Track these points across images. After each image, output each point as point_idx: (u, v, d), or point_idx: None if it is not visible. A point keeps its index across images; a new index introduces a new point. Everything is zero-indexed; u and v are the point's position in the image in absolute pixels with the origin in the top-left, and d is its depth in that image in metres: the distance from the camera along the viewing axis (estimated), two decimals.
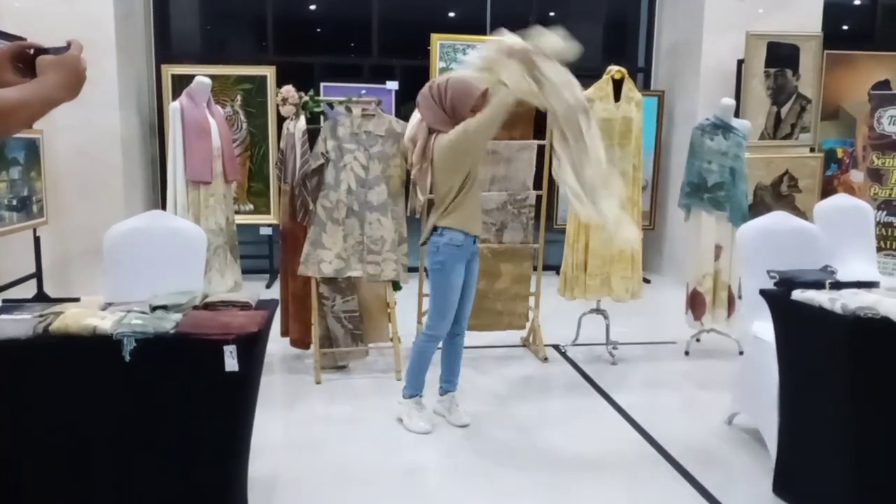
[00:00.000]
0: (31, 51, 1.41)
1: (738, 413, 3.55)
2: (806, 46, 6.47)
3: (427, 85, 3.35)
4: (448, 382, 3.62)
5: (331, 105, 4.49)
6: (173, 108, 4.31)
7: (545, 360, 4.56)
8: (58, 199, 5.62)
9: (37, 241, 5.32)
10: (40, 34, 1.82)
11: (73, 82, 1.36)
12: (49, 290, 5.41)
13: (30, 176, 5.12)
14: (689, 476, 3.07)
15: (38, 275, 5.37)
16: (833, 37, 6.70)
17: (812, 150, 6.61)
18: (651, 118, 6.91)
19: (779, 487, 2.88)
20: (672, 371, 4.49)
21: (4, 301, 2.71)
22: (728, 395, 3.65)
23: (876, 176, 5.54)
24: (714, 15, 6.53)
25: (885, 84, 6.69)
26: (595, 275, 4.49)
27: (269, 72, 6.44)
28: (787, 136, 6.56)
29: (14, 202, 4.93)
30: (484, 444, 3.36)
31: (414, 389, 3.53)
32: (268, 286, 6.59)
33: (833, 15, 6.87)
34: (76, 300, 2.62)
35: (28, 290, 5.29)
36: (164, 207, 4.53)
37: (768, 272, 2.94)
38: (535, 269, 4.69)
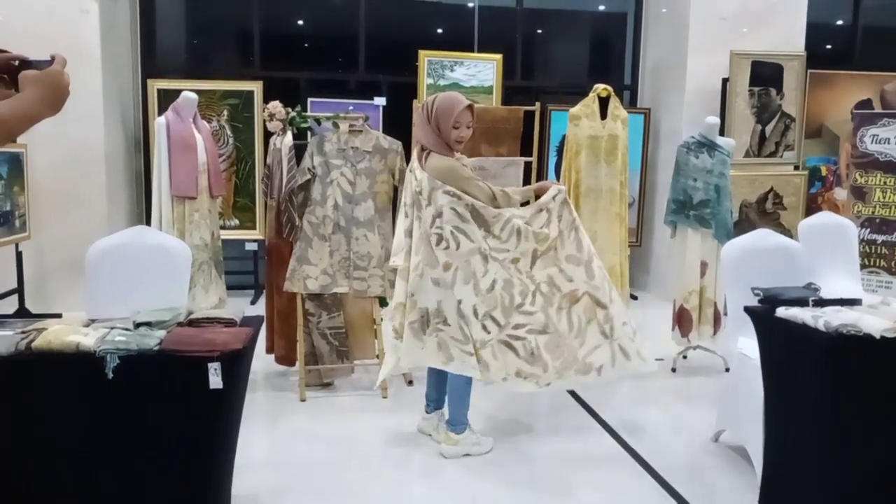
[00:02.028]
0: (16, 63, 1.40)
1: (724, 430, 3.56)
2: (789, 66, 6.55)
3: (422, 103, 3.38)
4: (437, 400, 3.59)
5: (318, 121, 4.49)
6: (159, 123, 4.30)
7: None
8: (39, 214, 5.57)
9: (19, 255, 5.27)
10: (23, 47, 1.80)
11: (55, 98, 1.35)
12: (29, 306, 5.34)
13: (13, 190, 5.07)
14: (675, 493, 3.07)
15: (19, 290, 5.31)
16: (816, 56, 6.79)
17: (796, 167, 6.68)
18: (637, 135, 6.96)
19: None
20: (659, 387, 4.49)
21: None
22: (714, 412, 3.66)
23: (859, 194, 5.60)
24: (699, 34, 6.61)
25: (867, 103, 6.78)
26: None
27: (255, 87, 6.44)
28: (772, 154, 6.62)
29: None
30: (469, 461, 3.34)
31: (465, 419, 3.42)
32: (252, 302, 6.55)
33: (816, 35, 6.96)
34: (58, 316, 2.60)
35: (8, 306, 5.23)
36: (148, 223, 4.51)
37: (752, 289, 2.95)
38: None
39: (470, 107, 3.24)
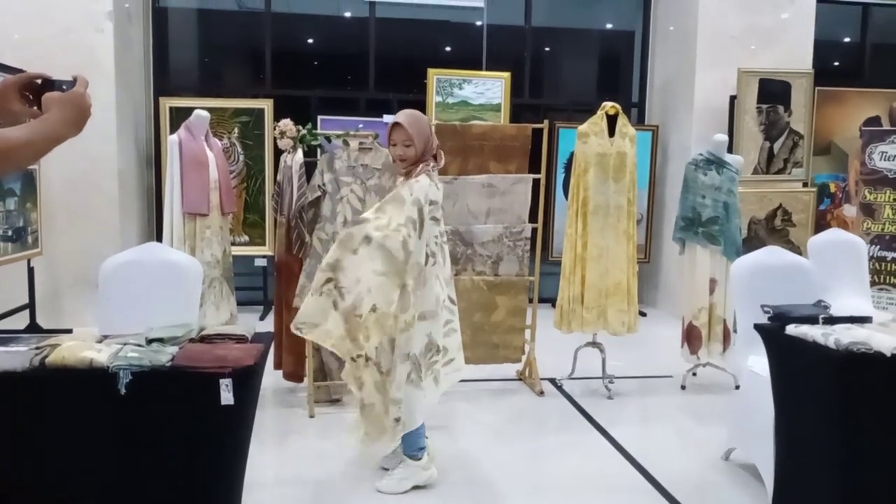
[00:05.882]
0: (39, 81, 1.44)
1: (734, 448, 3.54)
2: (797, 83, 6.56)
3: None
4: None
5: (328, 138, 4.53)
6: (171, 140, 4.34)
7: (541, 393, 4.54)
8: (52, 229, 5.61)
9: (30, 271, 5.30)
10: (39, 65, 1.84)
11: (78, 119, 1.39)
12: (40, 321, 5.37)
13: (25, 206, 5.12)
14: None
15: (31, 306, 5.34)
16: (824, 73, 6.80)
17: (805, 184, 6.67)
18: (645, 153, 6.97)
19: None
20: (668, 405, 4.48)
21: None
22: (724, 430, 3.64)
23: (868, 211, 5.59)
24: (706, 51, 6.63)
25: (876, 120, 6.78)
26: (591, 308, 4.49)
27: (266, 105, 6.50)
28: (780, 171, 6.63)
29: (9, 232, 4.93)
30: (479, 478, 3.33)
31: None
32: (261, 318, 6.56)
33: (823, 52, 6.98)
34: (69, 331, 2.62)
35: (19, 321, 5.26)
36: (159, 239, 4.54)
37: (762, 307, 2.95)
38: (530, 301, 4.69)
39: (398, 124, 3.11)
